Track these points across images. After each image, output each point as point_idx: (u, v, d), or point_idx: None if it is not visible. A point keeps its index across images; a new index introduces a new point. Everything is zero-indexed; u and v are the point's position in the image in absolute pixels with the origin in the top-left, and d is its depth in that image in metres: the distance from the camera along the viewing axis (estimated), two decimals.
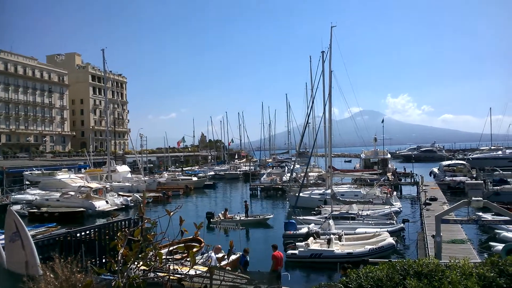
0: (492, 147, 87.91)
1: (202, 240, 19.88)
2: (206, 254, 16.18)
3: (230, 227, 23.91)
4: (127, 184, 51.51)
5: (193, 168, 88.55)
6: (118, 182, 52.83)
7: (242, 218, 30.66)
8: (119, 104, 73.83)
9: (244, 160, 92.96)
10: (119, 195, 43.67)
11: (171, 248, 13.76)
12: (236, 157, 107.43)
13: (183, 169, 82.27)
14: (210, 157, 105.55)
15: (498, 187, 36.64)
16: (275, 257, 15.82)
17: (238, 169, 78.02)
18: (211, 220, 29.43)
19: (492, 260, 6.01)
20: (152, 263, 3.45)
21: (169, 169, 78.94)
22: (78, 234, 16.47)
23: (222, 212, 31.47)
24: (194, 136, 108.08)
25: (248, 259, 16.33)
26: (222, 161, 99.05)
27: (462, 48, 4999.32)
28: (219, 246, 17.39)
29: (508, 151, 73.53)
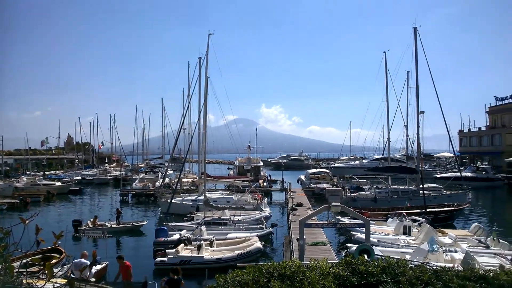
0: (351, 157, 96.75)
1: (63, 250, 18.46)
2: (67, 265, 15.13)
3: (97, 236, 22.66)
4: None
5: (57, 172, 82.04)
6: None
7: (113, 225, 29.23)
8: None
9: (115, 164, 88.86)
10: None
11: (25, 260, 12.55)
12: (106, 161, 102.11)
13: (45, 173, 75.77)
14: (77, 160, 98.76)
15: (355, 194, 40.39)
16: (121, 268, 15.02)
17: (108, 174, 74.37)
18: (78, 228, 27.48)
19: (346, 260, 6.55)
20: (1, 277, 3.12)
21: (29, 172, 72.00)
22: None
23: (91, 219, 29.60)
24: (59, 137, 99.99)
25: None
26: (90, 165, 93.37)
27: (329, 65, 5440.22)
28: (86, 252, 16.48)
29: (364, 161, 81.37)
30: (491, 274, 6.09)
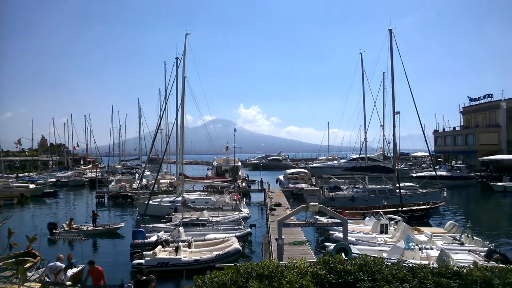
0: (329, 157, 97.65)
1: (37, 253, 18.05)
2: (42, 269, 14.80)
3: (73, 238, 22.25)
4: None
5: (30, 174, 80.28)
6: None
7: (89, 228, 28.75)
8: None
9: (91, 166, 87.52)
10: None
11: None
12: (82, 162, 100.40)
13: (19, 175, 74.06)
14: (51, 162, 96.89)
15: (333, 193, 40.68)
16: (92, 273, 14.68)
17: (84, 176, 73.13)
18: (54, 231, 26.91)
19: (324, 259, 6.58)
20: None
21: (1, 175, 70.26)
22: None
23: (67, 222, 29.04)
24: (33, 138, 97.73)
25: None
26: (65, 167, 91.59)
27: (308, 65, 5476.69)
28: (61, 255, 16.19)
29: (342, 161, 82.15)
30: (465, 270, 6.21)
